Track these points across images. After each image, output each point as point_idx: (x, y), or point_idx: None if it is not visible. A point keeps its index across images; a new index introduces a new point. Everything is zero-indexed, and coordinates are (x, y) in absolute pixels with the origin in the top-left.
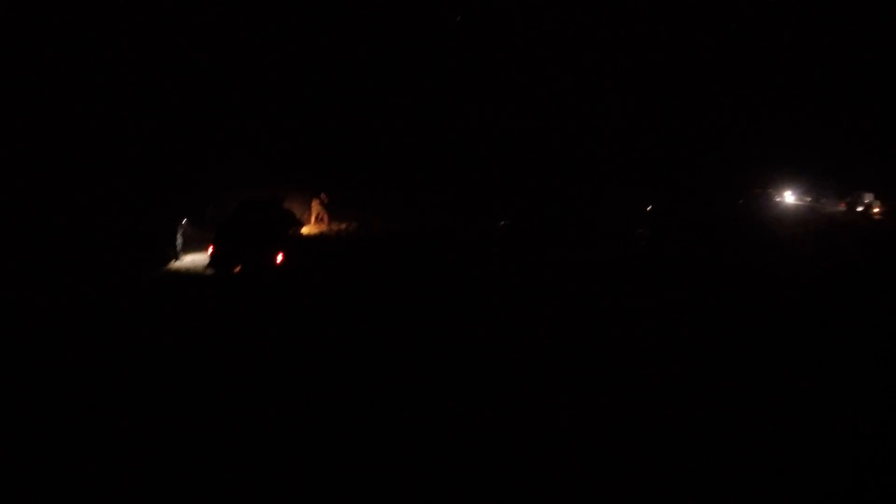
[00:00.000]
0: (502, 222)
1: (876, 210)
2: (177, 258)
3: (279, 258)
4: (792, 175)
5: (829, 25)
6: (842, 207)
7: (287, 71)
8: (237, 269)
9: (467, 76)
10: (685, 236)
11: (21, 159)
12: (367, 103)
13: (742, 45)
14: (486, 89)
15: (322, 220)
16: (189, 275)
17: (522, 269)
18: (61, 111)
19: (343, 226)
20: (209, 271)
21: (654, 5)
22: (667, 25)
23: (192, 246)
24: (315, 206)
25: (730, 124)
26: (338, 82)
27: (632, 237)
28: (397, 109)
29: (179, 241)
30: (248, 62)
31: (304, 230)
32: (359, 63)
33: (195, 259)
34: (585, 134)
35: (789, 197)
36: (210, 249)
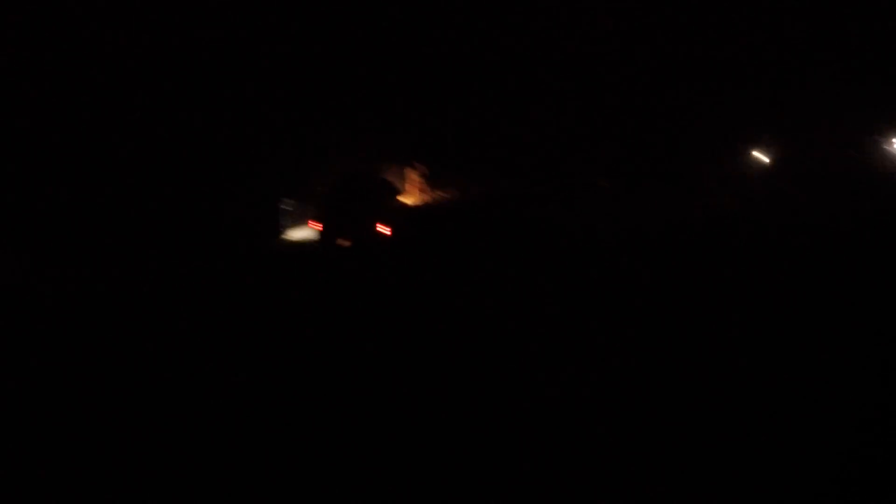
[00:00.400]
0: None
1: None
2: (283, 235)
3: (385, 231)
4: None
5: None
6: None
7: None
8: (344, 243)
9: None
10: None
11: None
12: (458, 70)
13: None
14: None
15: (422, 190)
16: (295, 252)
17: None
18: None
19: (442, 195)
20: (315, 247)
21: None
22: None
23: (297, 222)
24: (414, 177)
25: None
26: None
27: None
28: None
29: (284, 217)
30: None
31: (405, 200)
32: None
33: (300, 235)
34: None
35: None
36: (314, 225)
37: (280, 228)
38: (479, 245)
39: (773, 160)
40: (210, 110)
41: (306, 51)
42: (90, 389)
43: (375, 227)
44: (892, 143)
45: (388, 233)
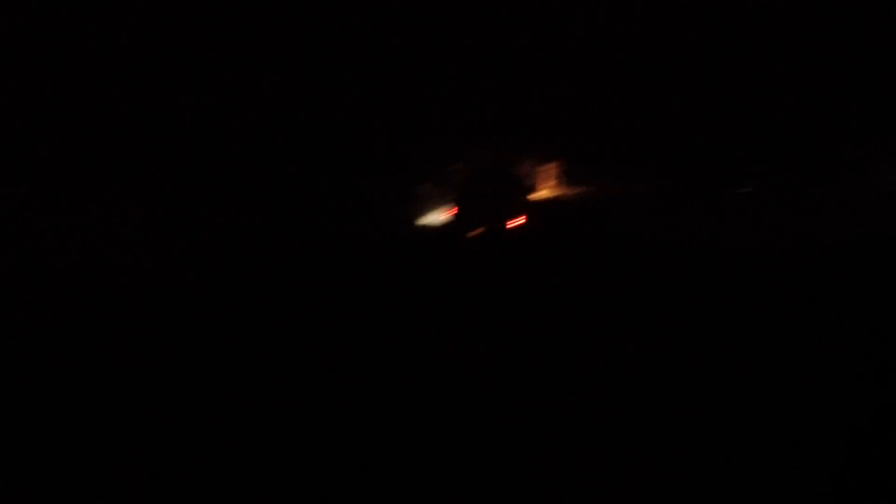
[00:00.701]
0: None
1: None
2: (417, 219)
3: (519, 222)
4: None
5: None
6: None
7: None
8: (478, 231)
9: None
10: None
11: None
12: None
13: None
14: None
15: (558, 185)
16: (429, 237)
17: None
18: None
19: (578, 190)
20: (448, 234)
21: None
22: None
23: (433, 206)
24: (550, 171)
25: None
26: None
27: None
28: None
29: (420, 201)
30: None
31: (540, 195)
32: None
33: (435, 220)
34: None
35: None
36: (451, 211)
37: (415, 212)
38: (608, 246)
39: None
40: (352, 92)
41: (456, 38)
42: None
43: (510, 219)
44: None
45: (518, 225)
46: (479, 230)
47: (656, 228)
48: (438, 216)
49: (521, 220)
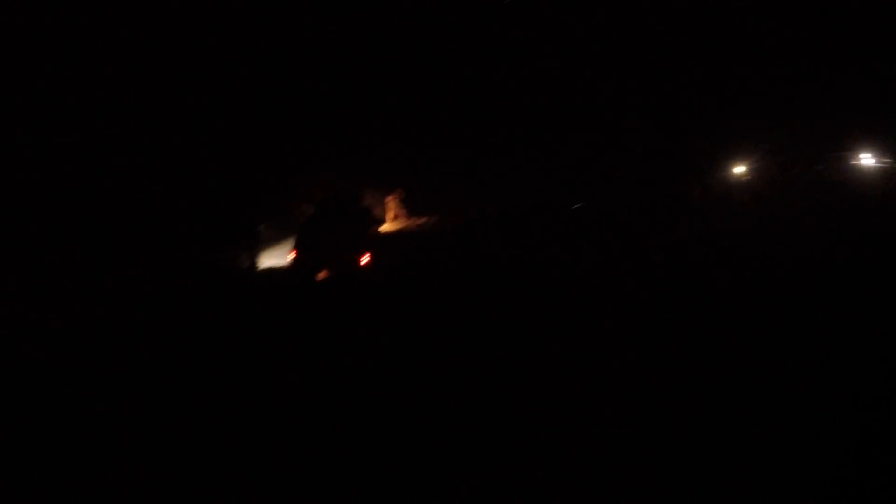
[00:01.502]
0: (576, 205)
1: None
2: (255, 265)
3: (365, 260)
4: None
5: None
6: None
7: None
8: (322, 274)
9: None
10: None
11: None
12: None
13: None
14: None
15: (400, 215)
16: (268, 282)
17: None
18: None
19: (423, 220)
20: (291, 279)
21: None
22: None
23: (272, 249)
24: (391, 202)
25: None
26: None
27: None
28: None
29: (257, 245)
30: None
31: (384, 228)
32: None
33: (276, 264)
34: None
35: (867, 159)
36: (290, 255)
37: (255, 254)
38: (461, 274)
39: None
40: (184, 129)
41: (286, 71)
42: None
43: (355, 256)
44: (858, 157)
45: (367, 262)
46: (323, 272)
47: (502, 250)
48: (280, 259)
49: (367, 257)
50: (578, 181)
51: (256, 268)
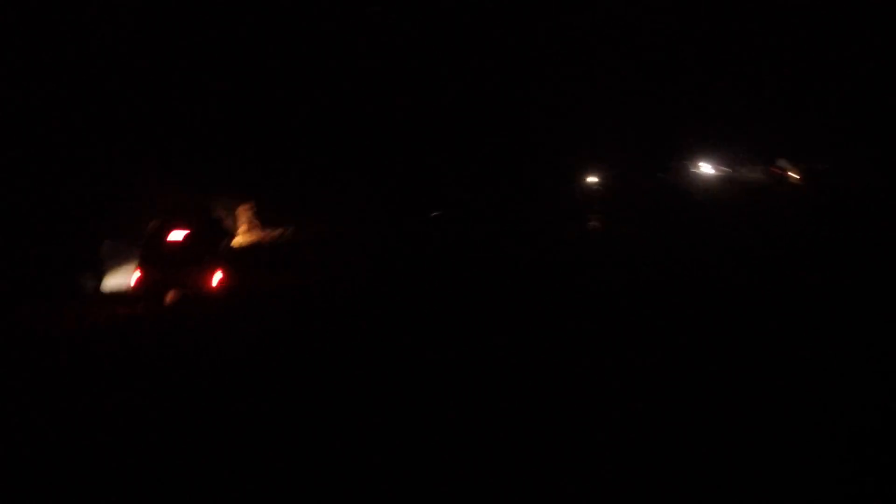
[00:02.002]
0: (434, 213)
1: (792, 175)
2: (99, 286)
3: (217, 279)
4: (708, 146)
5: None
6: (759, 174)
7: (200, 66)
8: (170, 297)
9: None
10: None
11: None
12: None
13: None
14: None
15: (253, 228)
16: (114, 306)
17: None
18: None
19: (277, 232)
20: (136, 303)
21: None
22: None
23: (118, 269)
24: (243, 213)
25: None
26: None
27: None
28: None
29: (103, 264)
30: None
31: (236, 241)
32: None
33: (121, 285)
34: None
35: (706, 168)
36: (135, 275)
37: (99, 275)
38: (321, 288)
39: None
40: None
41: (128, 76)
42: None
43: (205, 274)
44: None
45: (220, 280)
46: (172, 293)
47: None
48: (125, 279)
49: (218, 275)
50: (439, 190)
51: (100, 291)
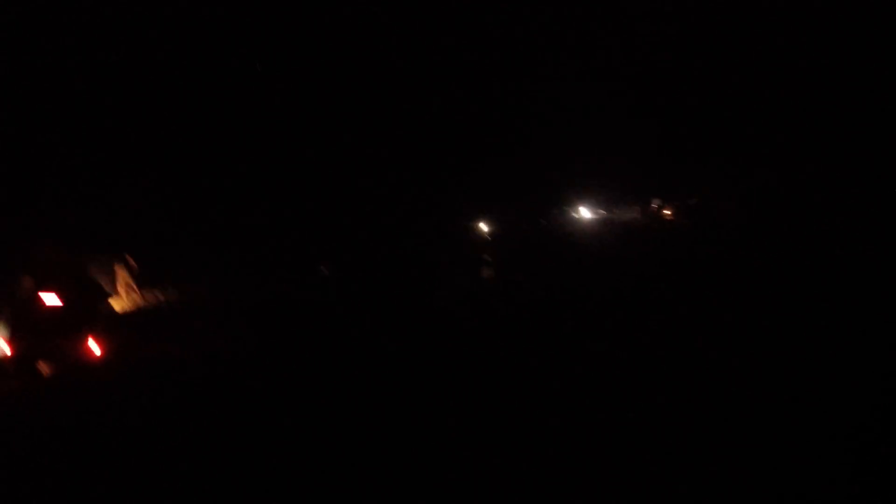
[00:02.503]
0: (322, 267)
1: (665, 212)
2: None
3: (99, 348)
4: (585, 192)
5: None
6: (635, 214)
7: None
8: (44, 368)
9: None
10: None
11: None
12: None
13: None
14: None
15: (132, 289)
16: None
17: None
18: None
19: (157, 296)
20: (10, 377)
21: None
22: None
23: None
24: (121, 273)
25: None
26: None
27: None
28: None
29: None
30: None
31: (115, 304)
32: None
33: None
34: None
35: (585, 212)
36: (3, 344)
37: None
38: (207, 360)
39: None
40: None
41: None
42: None
43: (82, 341)
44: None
45: (101, 349)
46: (46, 366)
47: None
48: None
49: (100, 341)
50: (323, 246)
51: None
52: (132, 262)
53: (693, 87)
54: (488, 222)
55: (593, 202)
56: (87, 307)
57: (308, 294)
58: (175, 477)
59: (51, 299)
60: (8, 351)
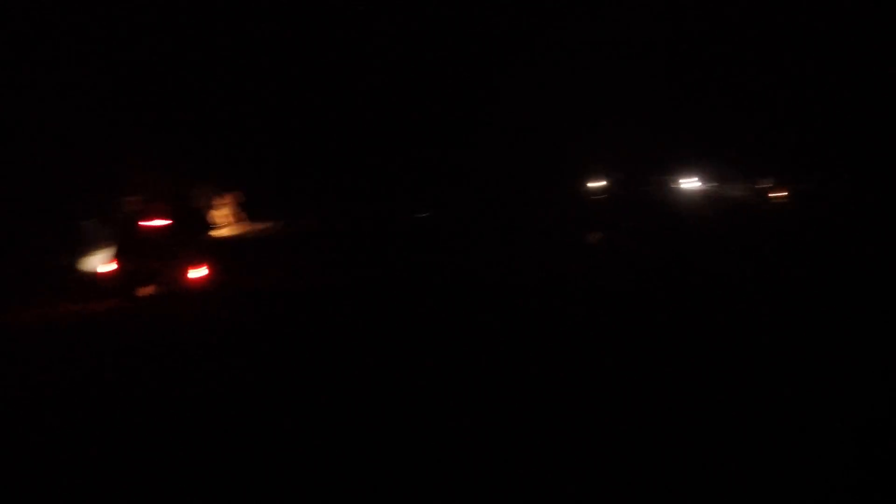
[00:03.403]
0: (423, 214)
1: (777, 193)
2: (78, 268)
3: (200, 272)
4: (691, 161)
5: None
6: (745, 192)
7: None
8: (147, 290)
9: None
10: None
11: None
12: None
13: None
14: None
15: (237, 220)
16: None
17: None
18: None
19: (264, 225)
20: (110, 295)
21: None
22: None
23: (99, 249)
24: (227, 205)
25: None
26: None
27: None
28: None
29: (84, 245)
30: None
31: (220, 233)
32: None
33: (98, 269)
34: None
35: (690, 182)
36: (110, 266)
37: (76, 255)
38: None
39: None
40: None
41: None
42: None
43: (186, 267)
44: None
45: (201, 276)
46: (150, 287)
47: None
48: (102, 261)
49: (202, 269)
50: (428, 189)
51: (76, 273)
52: (238, 194)
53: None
54: (594, 181)
55: (699, 173)
56: (191, 235)
57: (410, 237)
58: (261, 405)
59: (158, 225)
60: (113, 268)
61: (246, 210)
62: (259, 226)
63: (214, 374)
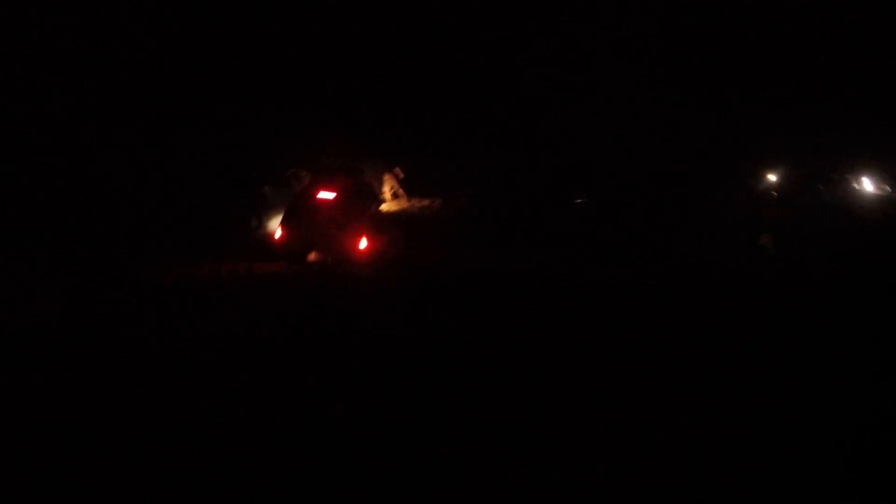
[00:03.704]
0: (578, 200)
1: None
2: (259, 228)
3: (364, 243)
4: (869, 159)
5: None
6: None
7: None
8: (313, 257)
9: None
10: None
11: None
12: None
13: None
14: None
15: (399, 195)
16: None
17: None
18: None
19: (425, 202)
20: (279, 258)
21: None
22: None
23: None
24: (389, 181)
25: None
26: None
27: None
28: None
29: (261, 209)
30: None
31: (383, 207)
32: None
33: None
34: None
35: (868, 184)
36: (278, 232)
37: (255, 220)
38: (466, 267)
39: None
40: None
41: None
42: None
43: (351, 238)
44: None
45: (366, 247)
46: (314, 254)
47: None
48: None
49: (364, 241)
50: (586, 175)
51: (263, 232)
52: (399, 172)
53: None
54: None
55: (883, 174)
56: (358, 208)
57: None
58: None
59: (327, 195)
60: (279, 234)
61: (407, 186)
62: (420, 202)
63: (385, 344)
